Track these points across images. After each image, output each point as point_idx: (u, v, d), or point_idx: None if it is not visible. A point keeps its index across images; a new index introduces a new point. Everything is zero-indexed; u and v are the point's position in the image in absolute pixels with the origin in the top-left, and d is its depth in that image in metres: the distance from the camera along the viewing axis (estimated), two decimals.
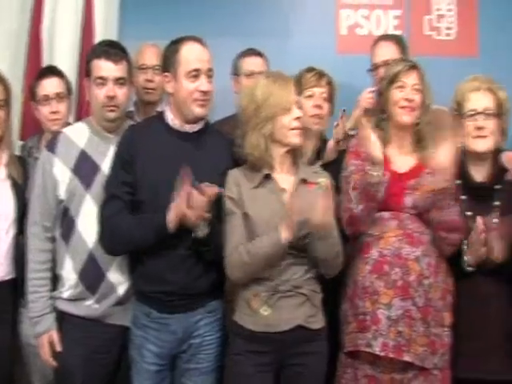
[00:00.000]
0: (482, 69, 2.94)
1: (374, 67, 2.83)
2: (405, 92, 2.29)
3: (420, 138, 2.33)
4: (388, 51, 2.84)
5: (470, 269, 2.27)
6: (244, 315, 2.15)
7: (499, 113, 2.37)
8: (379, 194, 2.20)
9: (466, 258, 2.26)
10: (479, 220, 2.21)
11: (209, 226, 2.09)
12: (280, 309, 2.10)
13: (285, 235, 2.04)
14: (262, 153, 2.16)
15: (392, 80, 2.31)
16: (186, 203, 2.02)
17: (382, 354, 2.13)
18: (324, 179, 2.24)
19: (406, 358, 2.13)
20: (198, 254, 2.15)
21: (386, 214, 2.24)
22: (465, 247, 2.26)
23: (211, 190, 2.05)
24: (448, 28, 3.34)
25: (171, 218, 2.07)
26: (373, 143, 2.16)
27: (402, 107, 2.29)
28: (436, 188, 2.18)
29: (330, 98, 2.64)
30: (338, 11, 3.32)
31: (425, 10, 3.34)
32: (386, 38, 2.97)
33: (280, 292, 2.11)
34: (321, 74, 2.61)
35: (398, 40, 2.91)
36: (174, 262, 2.16)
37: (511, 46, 3.32)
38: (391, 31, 3.30)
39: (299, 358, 2.12)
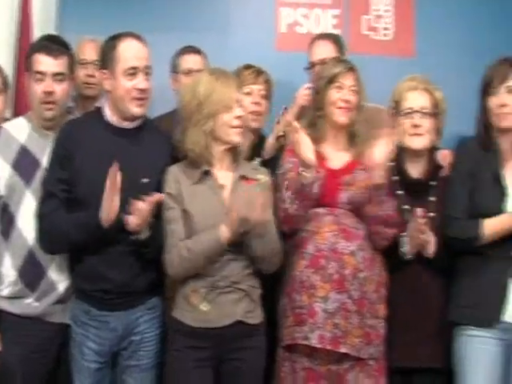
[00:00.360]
0: (418, 68, 3.00)
1: (311, 65, 2.87)
2: (342, 93, 2.34)
3: (354, 135, 2.38)
4: (325, 50, 2.87)
5: (408, 257, 2.33)
6: (183, 311, 2.16)
7: (435, 112, 2.44)
8: (313, 193, 2.24)
9: (404, 247, 2.32)
10: (418, 209, 2.25)
11: (150, 230, 2.09)
12: (219, 304, 2.12)
13: (225, 233, 2.07)
14: (202, 149, 2.17)
15: (331, 80, 2.36)
16: (131, 211, 2.02)
17: (319, 346, 2.17)
18: (263, 176, 2.27)
19: (343, 349, 2.18)
20: (138, 252, 2.15)
21: (321, 210, 2.28)
22: (403, 238, 2.32)
23: (156, 198, 2.05)
24: (385, 28, 3.40)
25: (104, 217, 2.07)
26: (305, 146, 2.20)
27: (339, 108, 2.34)
28: (371, 184, 2.24)
29: (268, 96, 2.67)
30: (277, 9, 3.34)
31: (363, 9, 3.39)
32: (323, 36, 3.01)
33: (219, 288, 2.12)
34: (259, 72, 2.65)
35: (335, 39, 2.95)
36: (113, 260, 2.16)
37: (447, 47, 3.40)
38: (330, 30, 3.34)
39: (238, 352, 2.14)
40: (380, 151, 2.21)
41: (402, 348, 2.31)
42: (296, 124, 2.25)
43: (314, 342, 2.17)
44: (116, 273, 2.16)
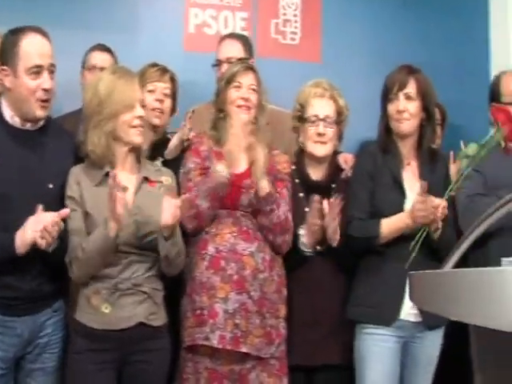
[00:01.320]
0: (324, 73, 3.08)
1: (218, 63, 2.87)
2: (241, 92, 2.37)
3: (256, 137, 2.38)
4: (232, 49, 2.89)
5: (308, 251, 2.39)
6: (85, 313, 2.12)
7: (339, 120, 2.52)
8: (223, 194, 2.26)
9: (302, 241, 2.38)
10: (316, 197, 2.31)
11: (58, 239, 2.02)
12: (120, 307, 2.10)
13: (111, 230, 2.01)
14: (103, 150, 2.14)
15: (229, 80, 2.39)
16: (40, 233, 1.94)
17: (220, 346, 2.19)
18: (167, 178, 2.26)
19: (244, 349, 2.21)
20: (44, 259, 2.08)
21: (222, 212, 2.30)
22: (302, 232, 2.38)
23: (62, 214, 1.99)
24: (293, 33, 3.43)
25: (21, 244, 1.98)
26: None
27: (239, 106, 2.36)
28: (258, 196, 2.27)
29: (173, 95, 2.66)
30: (186, 9, 3.31)
31: (272, 13, 3.40)
32: (232, 36, 3.03)
33: (120, 290, 2.10)
34: (164, 70, 2.63)
35: (244, 40, 2.97)
36: (19, 267, 2.06)
37: (351, 53, 3.47)
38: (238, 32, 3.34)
39: (142, 355, 2.13)
40: (259, 165, 2.25)
41: (303, 347, 2.37)
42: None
43: (214, 342, 2.19)
44: (23, 281, 2.08)
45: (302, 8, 3.45)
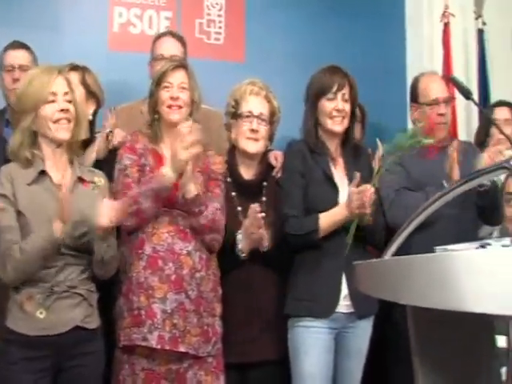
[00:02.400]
0: (247, 73, 3.12)
1: (157, 58, 2.84)
2: (171, 91, 2.36)
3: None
4: (169, 46, 2.88)
5: (243, 256, 2.41)
6: (17, 320, 2.05)
7: (271, 120, 2.57)
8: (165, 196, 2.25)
9: (239, 246, 2.40)
10: (252, 205, 2.34)
11: None
12: (56, 310, 2.05)
13: (56, 230, 1.98)
14: (28, 149, 2.08)
15: (159, 81, 2.38)
16: None
17: (159, 346, 2.18)
18: (100, 178, 2.23)
19: (182, 348, 2.21)
20: None
21: (159, 211, 2.28)
22: (239, 236, 2.40)
23: None
24: (217, 33, 3.45)
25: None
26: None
27: (169, 106, 2.36)
28: (186, 198, 2.28)
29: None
30: (111, 8, 3.26)
31: (196, 13, 3.41)
32: (170, 34, 2.99)
33: (56, 293, 2.05)
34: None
35: (182, 39, 2.95)
36: None
37: (275, 54, 3.53)
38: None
39: (78, 359, 2.08)
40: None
41: (238, 345, 2.40)
42: None
43: (153, 342, 2.17)
44: None
45: (226, 8, 3.48)
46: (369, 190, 2.34)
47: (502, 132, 2.60)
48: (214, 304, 2.33)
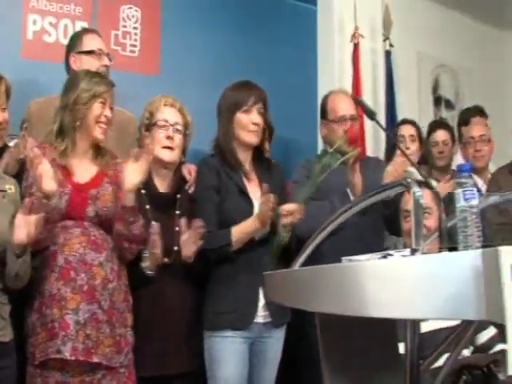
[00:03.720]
0: (162, 86, 3.17)
1: (83, 53, 2.79)
2: (104, 109, 2.35)
3: (100, 148, 2.41)
4: (98, 43, 2.84)
5: (150, 273, 2.43)
6: None
7: (185, 133, 2.62)
8: (59, 209, 2.23)
9: (144, 263, 2.42)
10: (155, 225, 2.38)
11: None
12: None
13: None
14: None
15: (95, 96, 2.33)
16: None
17: (73, 358, 2.15)
18: (11, 186, 2.20)
19: (95, 359, 2.19)
20: None
21: (69, 222, 2.27)
22: (145, 254, 2.42)
23: None
24: (132, 45, 3.44)
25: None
26: (46, 178, 2.14)
27: (101, 122, 2.34)
28: (121, 204, 2.29)
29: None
30: (25, 15, 3.18)
31: (111, 25, 3.38)
32: (93, 31, 2.95)
33: None
34: None
35: (101, 36, 2.92)
36: None
37: (189, 68, 3.56)
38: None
39: None
40: (131, 175, 2.27)
41: (152, 357, 2.42)
42: (37, 151, 2.17)
43: (66, 354, 2.15)
44: None
45: (141, 21, 3.47)
46: (296, 208, 2.45)
47: (403, 152, 2.76)
48: (126, 314, 2.33)
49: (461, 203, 1.41)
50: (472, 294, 1.15)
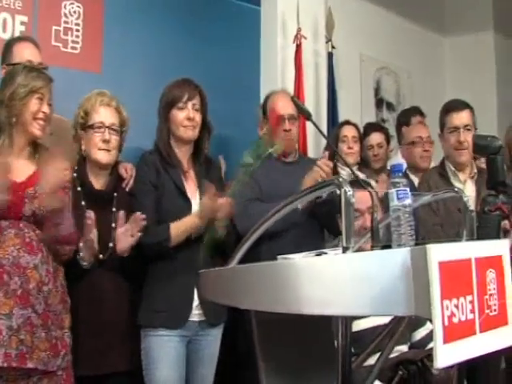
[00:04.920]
0: (103, 84, 3.11)
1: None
2: (42, 105, 2.29)
3: (38, 146, 2.35)
4: (29, 53, 2.77)
5: (85, 264, 2.41)
6: None
7: (121, 131, 2.59)
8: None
9: (80, 254, 2.39)
10: (90, 212, 2.35)
11: None
12: None
13: None
14: None
15: (33, 90, 2.27)
16: None
17: (5, 364, 2.08)
18: None
19: (30, 364, 2.12)
20: None
21: (4, 223, 2.20)
22: (80, 245, 2.38)
23: None
24: (74, 41, 3.37)
25: None
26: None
27: (37, 119, 2.28)
28: (47, 206, 2.23)
29: None
30: None
31: (53, 20, 3.30)
32: (26, 39, 2.87)
33: None
34: None
35: (35, 43, 2.85)
36: None
37: (131, 66, 3.52)
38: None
39: None
40: (51, 178, 2.23)
41: (91, 357, 2.39)
42: None
43: None
44: None
45: (84, 17, 3.40)
46: (221, 201, 2.44)
47: (337, 153, 2.80)
48: (63, 316, 2.28)
49: (394, 202, 1.45)
50: (401, 290, 1.19)
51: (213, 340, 2.58)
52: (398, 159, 3.83)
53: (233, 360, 2.77)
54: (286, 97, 3.07)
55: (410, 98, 5.37)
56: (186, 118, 2.60)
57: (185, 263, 2.50)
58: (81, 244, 2.38)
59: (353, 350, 2.08)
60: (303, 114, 2.67)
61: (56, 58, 3.22)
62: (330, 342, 1.81)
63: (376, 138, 3.89)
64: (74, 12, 3.39)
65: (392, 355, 2.04)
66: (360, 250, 1.55)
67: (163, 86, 2.72)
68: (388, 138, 3.98)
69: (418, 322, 2.30)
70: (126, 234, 2.42)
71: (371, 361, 1.82)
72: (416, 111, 4.19)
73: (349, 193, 1.27)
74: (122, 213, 2.45)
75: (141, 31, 3.60)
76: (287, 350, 1.66)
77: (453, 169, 3.09)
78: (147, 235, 2.46)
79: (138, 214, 2.40)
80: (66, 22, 3.37)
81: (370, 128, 4.01)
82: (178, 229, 2.49)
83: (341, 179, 1.29)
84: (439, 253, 1.17)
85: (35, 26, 3.25)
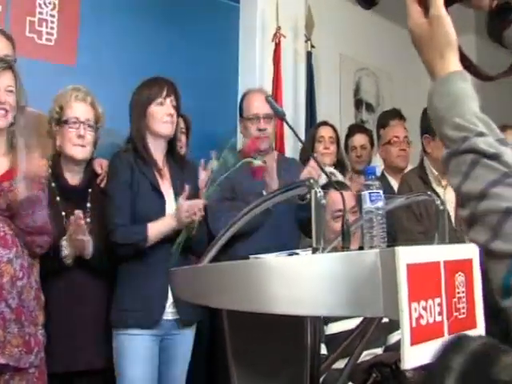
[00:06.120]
0: (78, 77, 3.08)
1: None
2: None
3: (14, 140, 2.31)
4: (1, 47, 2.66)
5: (68, 261, 2.39)
6: None
7: (96, 127, 2.57)
8: None
9: (64, 252, 2.38)
10: (76, 211, 2.32)
11: None
12: None
13: None
14: None
15: None
16: None
17: None
18: None
19: (2, 360, 2.09)
20: None
21: None
22: (63, 242, 2.37)
23: None
24: (49, 33, 3.31)
25: None
26: None
27: None
28: (17, 197, 2.20)
29: None
30: None
31: (27, 11, 3.24)
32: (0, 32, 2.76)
33: None
34: None
35: (11, 39, 2.74)
36: None
37: (106, 60, 3.47)
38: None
39: None
40: (27, 165, 2.21)
41: (64, 354, 2.37)
42: None
43: None
44: None
45: (59, 8, 3.34)
46: (199, 203, 2.45)
47: (312, 157, 2.81)
48: (36, 312, 2.26)
49: (367, 204, 1.44)
50: (370, 291, 1.18)
51: (185, 338, 2.57)
52: (377, 160, 3.84)
53: (209, 358, 2.76)
54: (262, 95, 3.06)
55: (389, 100, 5.39)
56: (166, 113, 2.59)
57: (156, 263, 2.48)
58: (64, 242, 2.35)
59: (326, 353, 2.10)
60: (277, 114, 2.67)
61: (30, 50, 3.17)
62: (303, 343, 1.81)
63: (359, 139, 3.90)
64: (49, 3, 3.32)
65: (366, 358, 2.05)
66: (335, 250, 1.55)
67: (138, 81, 2.69)
68: (372, 141, 3.98)
69: (393, 325, 2.30)
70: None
71: (343, 363, 1.82)
72: (395, 114, 4.20)
73: (319, 194, 1.26)
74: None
75: (117, 25, 3.56)
76: (259, 350, 1.65)
77: (436, 173, 3.06)
78: (123, 234, 2.45)
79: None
80: (40, 13, 3.30)
81: (354, 129, 4.03)
82: (156, 230, 2.48)
83: (312, 180, 1.28)
84: (408, 255, 1.16)
85: (8, 17, 3.17)
